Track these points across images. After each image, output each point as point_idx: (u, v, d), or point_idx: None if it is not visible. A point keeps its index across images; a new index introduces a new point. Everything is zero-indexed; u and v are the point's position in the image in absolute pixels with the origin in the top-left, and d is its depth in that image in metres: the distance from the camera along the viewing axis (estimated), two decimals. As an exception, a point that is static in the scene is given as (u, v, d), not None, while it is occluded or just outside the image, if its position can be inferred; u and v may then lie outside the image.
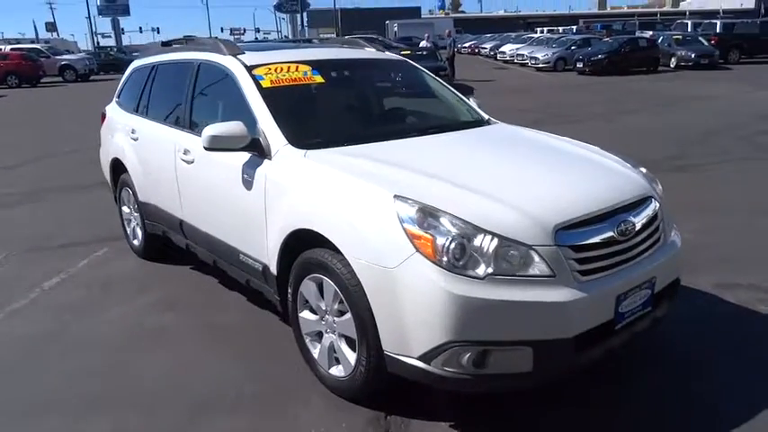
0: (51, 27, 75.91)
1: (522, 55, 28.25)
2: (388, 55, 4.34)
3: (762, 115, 11.15)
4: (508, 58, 30.88)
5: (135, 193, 4.54)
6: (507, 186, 2.56)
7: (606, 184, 2.72)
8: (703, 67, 22.68)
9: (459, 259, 2.24)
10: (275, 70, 3.44)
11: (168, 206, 4.10)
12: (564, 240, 2.33)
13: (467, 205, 2.37)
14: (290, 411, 2.70)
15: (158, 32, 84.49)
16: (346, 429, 2.56)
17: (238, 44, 3.87)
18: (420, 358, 2.31)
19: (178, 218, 3.97)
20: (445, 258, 2.24)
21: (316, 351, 2.89)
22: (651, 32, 29.44)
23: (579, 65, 23.08)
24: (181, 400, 2.82)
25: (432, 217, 2.32)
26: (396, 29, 54.21)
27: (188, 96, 3.83)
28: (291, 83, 3.41)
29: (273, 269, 3.00)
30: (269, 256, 3.03)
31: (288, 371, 3.01)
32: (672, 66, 23.61)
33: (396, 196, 2.40)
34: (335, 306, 2.68)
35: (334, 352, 2.77)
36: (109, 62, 34.23)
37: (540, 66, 25.90)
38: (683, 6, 71.71)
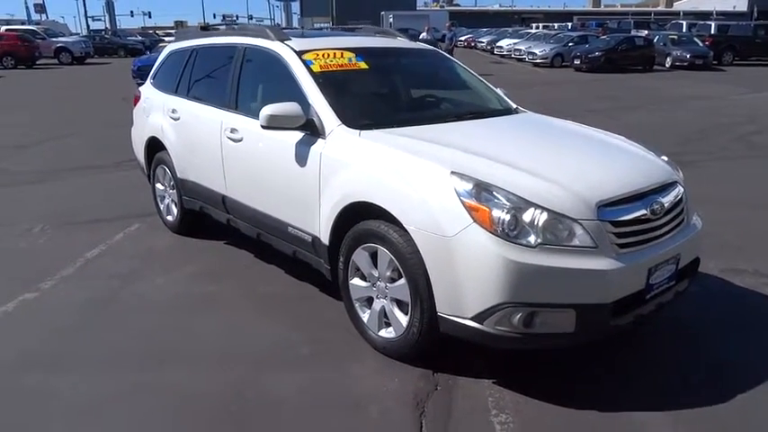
0: (40, 9, 74.94)
1: (520, 50, 28.54)
2: (420, 45, 4.58)
3: (755, 116, 11.51)
4: (505, 53, 31.14)
5: (173, 170, 4.74)
6: (551, 166, 2.82)
7: (639, 169, 3.00)
8: (698, 67, 23.07)
9: (513, 229, 2.50)
10: (323, 56, 3.67)
11: (209, 182, 4.31)
12: (605, 216, 2.60)
13: (517, 182, 2.63)
14: (346, 368, 2.96)
15: (150, 17, 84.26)
16: (399, 383, 2.82)
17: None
18: (473, 318, 2.57)
19: (220, 193, 4.19)
20: (500, 228, 2.50)
21: (365, 315, 3.15)
22: (646, 31, 29.89)
23: (576, 62, 23.41)
24: (244, 357, 3.08)
25: (486, 191, 2.57)
26: (391, 20, 54.27)
27: (234, 78, 4.04)
28: (339, 68, 3.65)
29: (325, 240, 3.24)
30: (320, 227, 3.27)
31: (338, 335, 3.26)
32: (667, 65, 24.00)
33: (452, 172, 2.65)
34: (388, 273, 2.93)
35: (385, 316, 3.03)
36: (104, 45, 34.04)
37: (538, 61, 26.20)
38: (676, 6, 72.39)
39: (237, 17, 79.64)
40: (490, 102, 4.13)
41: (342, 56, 3.73)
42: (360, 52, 3.81)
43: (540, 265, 2.46)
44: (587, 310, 2.53)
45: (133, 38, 38.36)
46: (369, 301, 3.14)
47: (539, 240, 2.50)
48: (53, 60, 28.62)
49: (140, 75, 18.29)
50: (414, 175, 2.77)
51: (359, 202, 2.98)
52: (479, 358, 2.98)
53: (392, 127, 3.27)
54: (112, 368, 3.01)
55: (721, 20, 34.62)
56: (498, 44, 33.36)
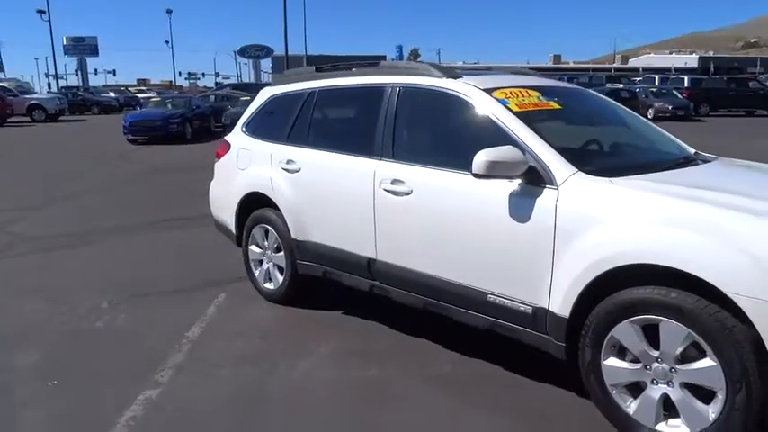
0: (-1, 67, 73.75)
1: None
2: (568, 84, 4.15)
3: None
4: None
5: (283, 230, 4.07)
6: None
7: None
8: (679, 118, 23.68)
9: None
10: (513, 94, 3.16)
11: (345, 243, 3.67)
12: None
13: None
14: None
15: (114, 74, 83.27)
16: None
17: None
18: None
19: (365, 256, 3.55)
20: None
21: (630, 406, 2.52)
22: (621, 85, 30.90)
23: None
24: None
25: None
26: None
27: (387, 123, 3.46)
28: (536, 108, 3.14)
29: (563, 312, 2.63)
30: (552, 297, 2.68)
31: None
32: (650, 116, 24.58)
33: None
34: (678, 351, 2.34)
35: (665, 406, 2.41)
36: (77, 102, 33.03)
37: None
38: (631, 63, 76.11)
39: (203, 74, 79.72)
40: (676, 147, 3.63)
41: (529, 94, 3.23)
42: (542, 91, 3.33)
43: None
44: None
45: (106, 95, 37.53)
46: (632, 388, 2.52)
47: None
48: (25, 118, 27.35)
49: (132, 131, 17.43)
50: (737, 231, 2.22)
51: (631, 264, 2.40)
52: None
53: (630, 174, 2.75)
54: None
55: (684, 73, 36.29)
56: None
